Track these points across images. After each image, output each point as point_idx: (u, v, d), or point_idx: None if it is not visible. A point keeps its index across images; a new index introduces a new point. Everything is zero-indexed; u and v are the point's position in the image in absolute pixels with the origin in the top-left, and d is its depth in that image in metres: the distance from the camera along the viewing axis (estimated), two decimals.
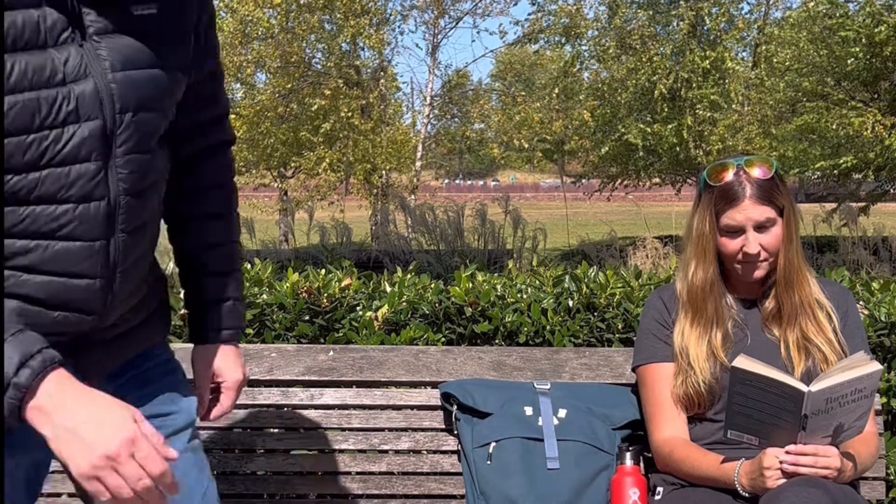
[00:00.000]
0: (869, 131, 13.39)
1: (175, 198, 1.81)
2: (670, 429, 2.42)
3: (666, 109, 15.70)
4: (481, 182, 52.55)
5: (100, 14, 1.48)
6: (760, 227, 2.36)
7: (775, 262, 2.41)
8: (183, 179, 1.83)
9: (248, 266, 3.40)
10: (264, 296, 3.20)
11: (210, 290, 1.90)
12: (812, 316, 2.42)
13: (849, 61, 13.53)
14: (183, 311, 3.06)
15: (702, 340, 2.42)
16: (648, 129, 15.69)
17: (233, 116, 15.92)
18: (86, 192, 1.47)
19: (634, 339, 3.03)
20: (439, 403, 2.66)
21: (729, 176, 2.37)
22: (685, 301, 2.47)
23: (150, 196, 1.61)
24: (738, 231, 2.37)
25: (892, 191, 15.28)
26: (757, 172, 2.36)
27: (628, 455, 2.45)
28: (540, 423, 2.54)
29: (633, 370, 2.56)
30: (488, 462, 2.49)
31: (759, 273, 2.41)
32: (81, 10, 1.47)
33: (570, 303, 3.19)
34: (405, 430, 2.67)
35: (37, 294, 1.48)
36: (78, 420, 1.34)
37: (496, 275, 3.47)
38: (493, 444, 2.51)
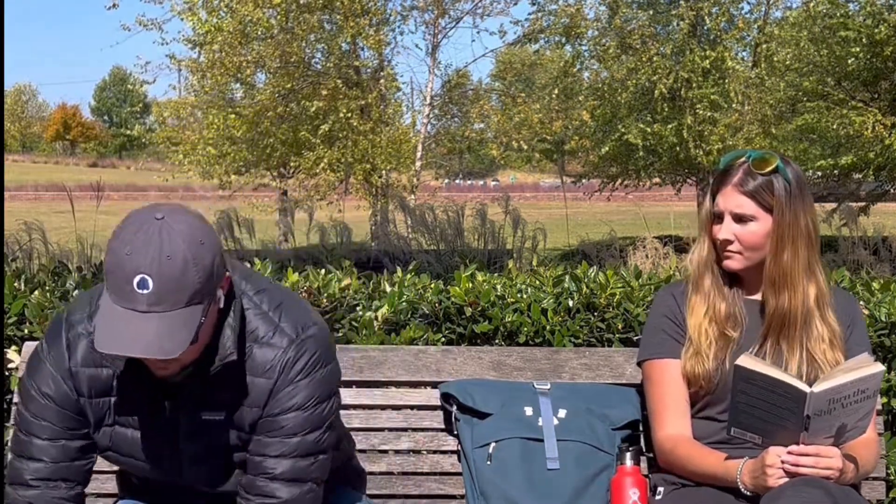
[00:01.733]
0: (869, 131, 13.39)
1: None
2: (674, 426, 2.41)
3: (666, 109, 15.70)
4: (481, 182, 52.41)
5: None
6: (739, 219, 2.38)
7: (755, 260, 2.40)
8: None
9: (248, 266, 3.38)
10: None
11: None
12: (815, 333, 2.38)
13: (849, 61, 13.53)
14: None
15: (706, 315, 2.41)
16: (648, 129, 15.68)
17: (233, 116, 15.95)
18: None
19: (635, 338, 3.03)
20: (439, 403, 2.65)
21: (736, 163, 2.41)
22: (691, 275, 2.48)
23: None
24: (720, 216, 2.41)
25: (892, 191, 15.28)
26: (757, 167, 2.37)
27: (628, 455, 2.44)
28: (540, 424, 2.53)
29: (639, 364, 2.53)
30: (488, 462, 2.49)
31: (729, 263, 2.42)
32: None
33: (570, 303, 3.18)
34: (405, 430, 2.67)
35: None
36: None
37: (496, 275, 3.46)
38: (492, 444, 2.50)
